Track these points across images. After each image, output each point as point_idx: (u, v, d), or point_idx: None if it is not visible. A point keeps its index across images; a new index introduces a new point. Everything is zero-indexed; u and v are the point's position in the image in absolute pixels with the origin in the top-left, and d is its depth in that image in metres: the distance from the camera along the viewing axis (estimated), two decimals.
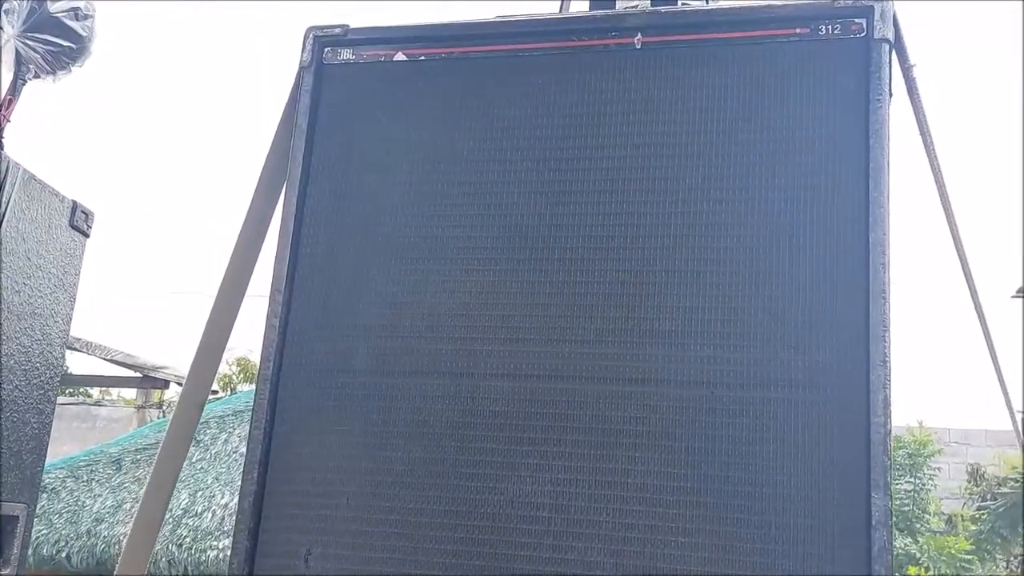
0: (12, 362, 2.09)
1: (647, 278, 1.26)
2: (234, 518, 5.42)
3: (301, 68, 1.46)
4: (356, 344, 1.35)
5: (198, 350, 1.61)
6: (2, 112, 2.39)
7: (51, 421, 2.28)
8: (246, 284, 1.71)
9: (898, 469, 11.92)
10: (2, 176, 2.03)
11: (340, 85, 1.45)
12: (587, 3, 1.72)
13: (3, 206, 2.02)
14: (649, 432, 1.20)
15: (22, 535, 2.14)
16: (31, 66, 2.44)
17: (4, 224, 2.03)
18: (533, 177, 1.33)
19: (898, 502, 11.74)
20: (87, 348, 5.30)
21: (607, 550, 1.17)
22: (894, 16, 1.24)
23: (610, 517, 1.19)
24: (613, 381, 1.24)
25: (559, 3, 1.76)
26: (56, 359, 2.26)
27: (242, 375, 10.67)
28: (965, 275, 1.60)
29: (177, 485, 6.59)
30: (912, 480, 11.77)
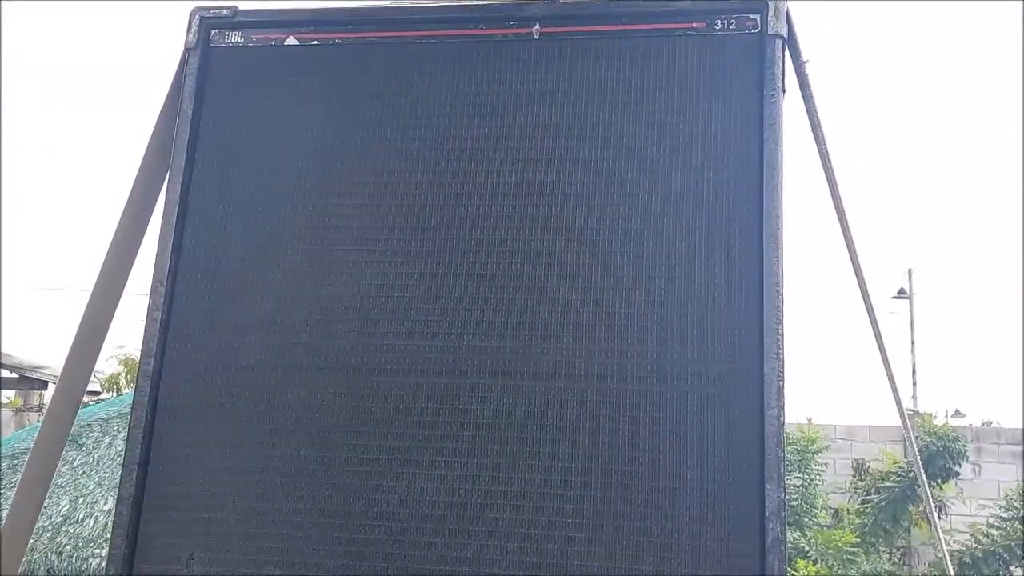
0: None
1: (545, 271, 1.25)
2: None
3: (186, 50, 1.39)
4: (244, 338, 1.29)
5: (73, 346, 1.53)
6: None
7: None
8: (125, 277, 1.63)
9: (787, 465, 12.32)
10: None
11: (227, 69, 1.39)
12: None
13: None
14: (547, 426, 1.19)
15: None
16: None
17: None
18: (430, 167, 1.30)
19: (787, 497, 12.14)
20: None
21: (503, 547, 1.15)
22: (787, 13, 1.26)
23: (507, 514, 1.17)
24: (511, 375, 1.22)
25: None
26: None
27: (129, 376, 10.30)
28: (856, 272, 1.64)
29: (58, 491, 6.36)
30: (800, 476, 12.18)
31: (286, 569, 1.18)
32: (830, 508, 12.42)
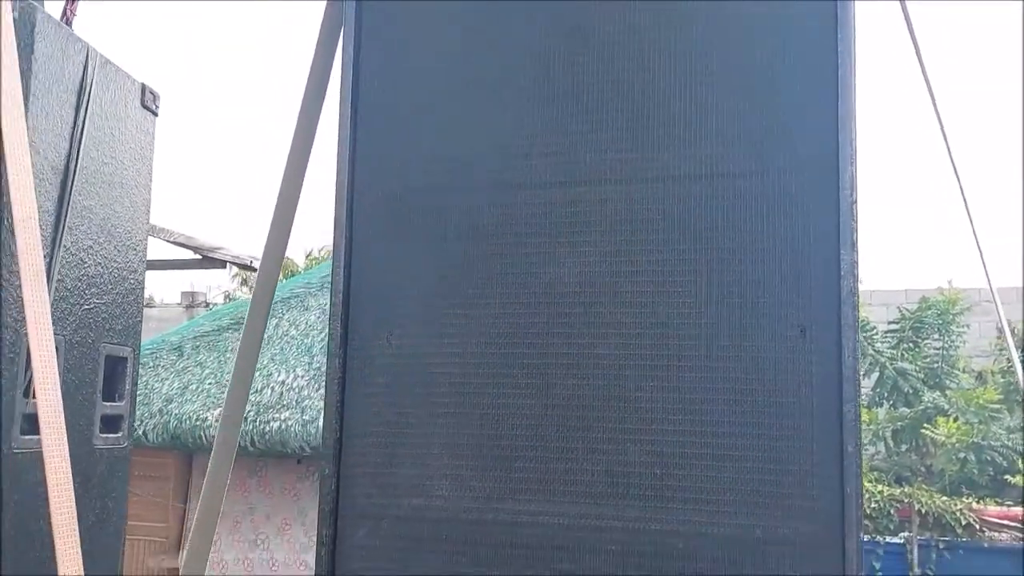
0: (108, 225, 2.40)
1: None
2: (289, 393, 5.89)
3: None
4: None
5: (268, 237, 1.87)
6: (69, 6, 2.64)
7: (144, 279, 2.60)
8: (307, 159, 1.95)
9: (927, 328, 12.20)
10: (85, 60, 2.30)
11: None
12: None
13: (89, 87, 2.30)
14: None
15: (131, 374, 2.50)
16: None
17: (91, 104, 2.30)
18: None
19: (927, 360, 12.06)
20: (151, 231, 5.63)
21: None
22: None
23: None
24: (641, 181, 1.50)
25: None
26: (143, 223, 2.58)
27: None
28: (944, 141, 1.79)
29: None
30: (941, 339, 12.06)
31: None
32: (973, 371, 12.27)
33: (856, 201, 1.36)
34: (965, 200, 1.94)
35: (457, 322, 1.53)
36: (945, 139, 1.84)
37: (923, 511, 8.87)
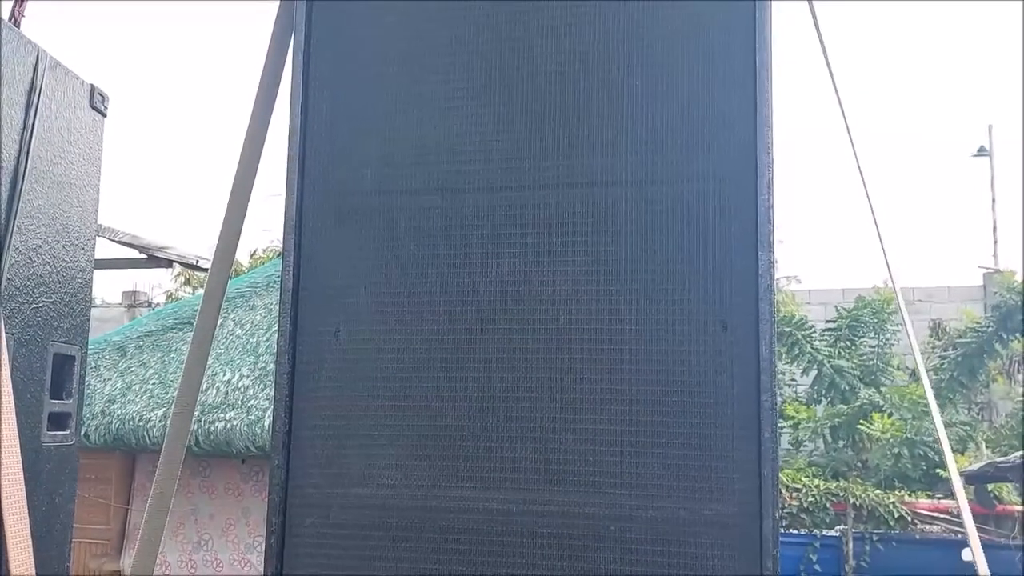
0: (57, 224, 2.43)
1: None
2: (235, 393, 5.89)
3: None
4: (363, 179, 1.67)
5: (219, 237, 1.92)
6: (18, 7, 2.66)
7: (92, 278, 2.63)
8: (258, 158, 2.01)
9: (864, 327, 12.59)
10: (35, 62, 2.33)
11: None
12: None
13: (39, 88, 2.32)
14: None
15: (79, 372, 2.53)
16: None
17: (40, 104, 2.33)
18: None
19: (864, 358, 12.43)
20: (98, 231, 5.60)
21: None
22: None
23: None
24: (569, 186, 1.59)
25: None
26: (91, 223, 2.61)
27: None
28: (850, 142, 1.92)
29: (180, 367, 7.01)
30: (876, 337, 12.44)
31: None
32: (907, 368, 12.68)
33: (772, 205, 1.47)
34: (870, 200, 2.07)
35: (402, 318, 1.61)
36: (850, 138, 1.97)
37: (858, 504, 9.15)
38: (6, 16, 2.65)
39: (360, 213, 1.66)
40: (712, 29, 1.55)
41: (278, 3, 1.86)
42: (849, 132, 1.96)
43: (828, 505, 9.33)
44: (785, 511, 9.12)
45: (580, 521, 1.51)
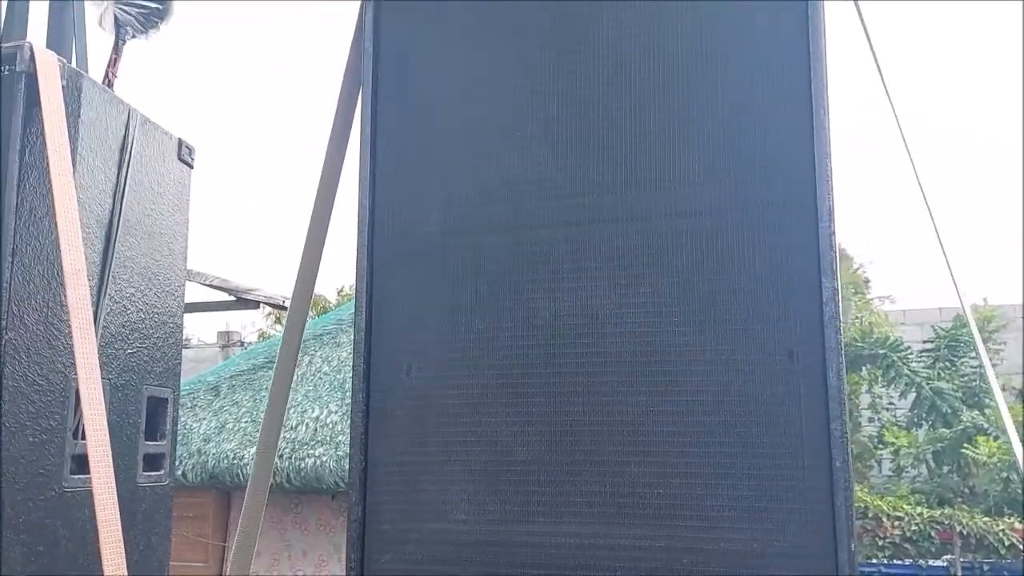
0: (149, 273, 2.55)
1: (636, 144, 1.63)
2: (323, 429, 6.04)
3: (363, 0, 1.84)
4: (428, 219, 1.73)
5: (297, 278, 2.01)
6: (111, 70, 2.82)
7: (182, 322, 2.75)
8: (332, 203, 2.09)
9: (963, 347, 12.13)
10: (127, 120, 2.46)
11: (397, 10, 1.81)
12: None
13: (130, 145, 2.46)
14: None
15: (171, 413, 2.64)
16: (128, 28, 2.86)
17: (132, 160, 2.47)
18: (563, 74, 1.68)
19: (965, 379, 11.97)
20: (189, 276, 5.85)
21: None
22: None
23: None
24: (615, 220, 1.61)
25: None
26: (181, 269, 2.73)
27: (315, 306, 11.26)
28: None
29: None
30: (978, 357, 11.96)
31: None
32: (1013, 388, 12.16)
33: (834, 232, 1.46)
34: (933, 219, 2.02)
35: (469, 355, 1.65)
36: (909, 155, 1.93)
37: (965, 532, 8.77)
38: (100, 79, 2.81)
39: (427, 254, 1.71)
40: (766, 59, 1.56)
41: (347, 56, 1.94)
42: (908, 149, 1.93)
43: (933, 534, 8.97)
44: (887, 541, 8.81)
45: (653, 555, 1.51)
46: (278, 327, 15.10)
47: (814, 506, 1.42)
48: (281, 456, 6.70)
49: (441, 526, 1.62)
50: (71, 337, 1.93)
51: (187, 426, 7.31)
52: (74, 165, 2.19)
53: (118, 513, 1.96)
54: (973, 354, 12.05)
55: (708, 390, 1.51)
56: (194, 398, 7.49)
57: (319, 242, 2.10)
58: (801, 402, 1.45)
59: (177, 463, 7.08)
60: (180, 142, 2.74)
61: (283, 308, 8.51)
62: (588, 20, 1.68)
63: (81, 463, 2.13)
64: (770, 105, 1.55)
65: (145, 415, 2.51)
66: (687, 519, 1.49)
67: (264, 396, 7.24)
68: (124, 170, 2.44)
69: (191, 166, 2.80)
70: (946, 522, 8.96)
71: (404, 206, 1.76)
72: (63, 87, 2.21)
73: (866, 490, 9.67)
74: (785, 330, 1.48)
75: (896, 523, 9.02)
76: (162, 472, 2.58)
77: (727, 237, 1.54)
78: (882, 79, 1.88)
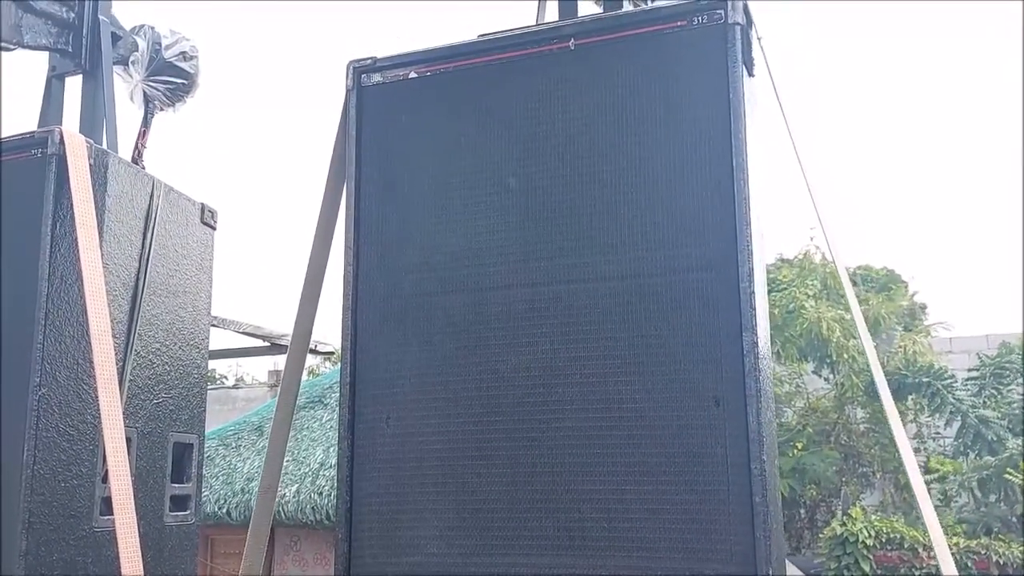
0: (174, 328, 2.79)
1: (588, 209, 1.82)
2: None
3: (347, 91, 2.06)
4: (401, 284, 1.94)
5: (292, 335, 2.21)
6: (140, 141, 3.09)
7: (207, 373, 2.98)
8: (326, 260, 2.29)
9: (1010, 374, 11.97)
10: (151, 191, 2.72)
11: (376, 99, 2.04)
12: (557, 4, 2.26)
13: (154, 213, 2.71)
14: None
15: (197, 457, 2.86)
16: (156, 102, 3.13)
17: (156, 227, 2.72)
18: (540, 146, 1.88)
19: (1011, 406, 11.80)
20: (222, 324, 6.13)
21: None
22: (744, 7, 1.74)
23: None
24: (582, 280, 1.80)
25: (536, 6, 2.29)
26: (205, 324, 2.97)
27: None
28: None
29: (312, 444, 7.44)
30: None
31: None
32: None
33: (754, 292, 1.63)
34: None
35: (441, 405, 1.84)
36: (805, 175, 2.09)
37: (1001, 562, 8.66)
38: (131, 149, 3.08)
39: (403, 314, 1.91)
40: (691, 137, 1.75)
41: (334, 141, 2.15)
42: (802, 167, 2.07)
43: (970, 563, 8.87)
44: (923, 572, 8.73)
45: None
46: (325, 366, 15.44)
47: (738, 538, 1.58)
48: (321, 494, 6.92)
49: (416, 559, 1.81)
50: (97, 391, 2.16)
51: (232, 466, 7.58)
52: (101, 234, 2.44)
53: (139, 551, 2.17)
54: (1019, 381, 11.89)
55: (648, 433, 1.68)
56: (239, 438, 7.77)
57: (314, 297, 2.30)
58: (726, 443, 1.62)
59: (222, 502, 7.36)
60: (203, 207, 2.99)
61: (313, 352, 8.79)
62: (538, 108, 1.88)
63: (110, 505, 2.35)
64: (697, 180, 1.73)
65: (171, 459, 2.74)
66: (628, 550, 1.66)
67: (304, 435, 7.50)
68: (149, 236, 2.69)
69: (214, 228, 3.05)
70: (983, 552, 8.86)
71: (383, 271, 1.96)
72: (91, 165, 2.47)
73: (901, 521, 9.58)
74: (712, 379, 1.65)
75: (931, 554, 8.92)
76: (188, 512, 2.80)
77: (663, 297, 1.72)
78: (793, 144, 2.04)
